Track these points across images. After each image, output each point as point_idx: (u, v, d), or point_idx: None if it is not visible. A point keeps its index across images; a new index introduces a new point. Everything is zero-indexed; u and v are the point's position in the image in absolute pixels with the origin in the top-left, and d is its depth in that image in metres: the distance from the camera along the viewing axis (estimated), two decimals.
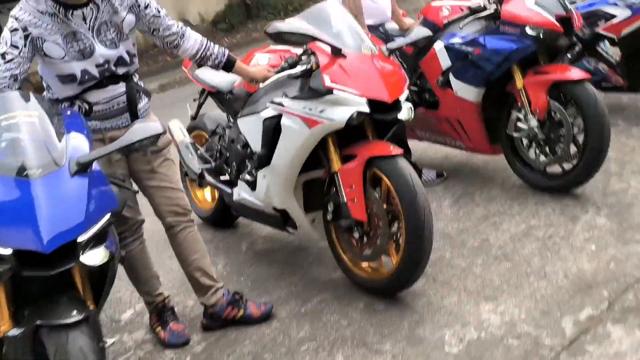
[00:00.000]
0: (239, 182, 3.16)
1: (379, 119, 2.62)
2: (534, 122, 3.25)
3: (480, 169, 3.89)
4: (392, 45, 2.82)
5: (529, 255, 2.81)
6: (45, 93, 2.44)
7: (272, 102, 2.74)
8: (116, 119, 2.50)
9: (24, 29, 2.20)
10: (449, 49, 3.45)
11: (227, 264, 3.38)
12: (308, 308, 2.77)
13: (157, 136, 2.07)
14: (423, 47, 3.64)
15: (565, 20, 3.16)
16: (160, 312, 2.81)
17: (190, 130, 3.85)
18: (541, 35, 3.11)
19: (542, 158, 3.34)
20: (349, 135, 2.70)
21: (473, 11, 3.30)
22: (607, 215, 3.00)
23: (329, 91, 2.51)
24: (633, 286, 2.45)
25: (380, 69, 2.61)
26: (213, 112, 3.68)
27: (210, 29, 14.79)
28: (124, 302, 3.14)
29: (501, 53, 3.20)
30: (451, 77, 3.47)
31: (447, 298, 2.63)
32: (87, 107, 2.42)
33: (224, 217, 3.75)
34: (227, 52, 2.71)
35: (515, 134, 3.36)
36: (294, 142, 2.69)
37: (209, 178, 3.42)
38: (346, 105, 2.51)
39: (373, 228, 2.64)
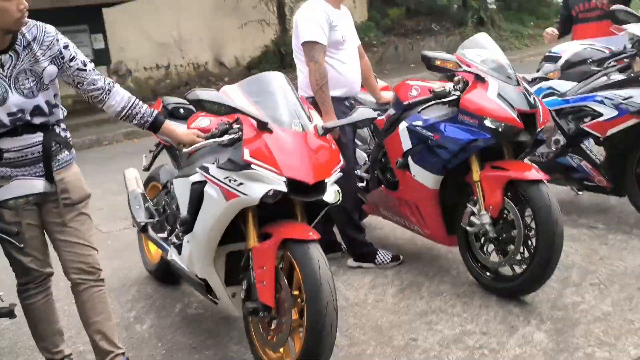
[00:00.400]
0: (170, 243, 3.06)
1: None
2: (486, 219, 3.05)
3: (440, 257, 3.69)
4: (329, 124, 2.69)
5: None
6: None
7: (201, 167, 2.65)
8: (29, 168, 2.42)
9: None
10: (410, 130, 3.31)
11: (152, 325, 3.24)
12: None
13: (35, 195, 1.98)
14: (391, 124, 3.52)
15: (529, 116, 3.00)
16: None
17: (148, 181, 3.79)
18: (500, 129, 2.95)
19: (494, 257, 3.14)
20: (278, 212, 2.58)
21: (436, 96, 3.16)
22: (547, 330, 2.76)
23: (248, 165, 2.40)
24: None
25: (308, 148, 2.48)
26: (170, 165, 3.62)
27: (245, 73, 15.03)
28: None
29: (458, 143, 3.05)
30: (410, 160, 3.32)
31: None
32: None
33: (166, 273, 3.62)
34: (155, 112, 2.64)
35: (468, 228, 3.17)
36: (212, 212, 2.57)
37: (151, 232, 3.33)
38: (263, 182, 2.39)
39: (280, 316, 2.47)
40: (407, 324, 2.95)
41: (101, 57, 12.43)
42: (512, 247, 3.02)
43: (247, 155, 2.41)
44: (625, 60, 3.83)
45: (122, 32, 13.47)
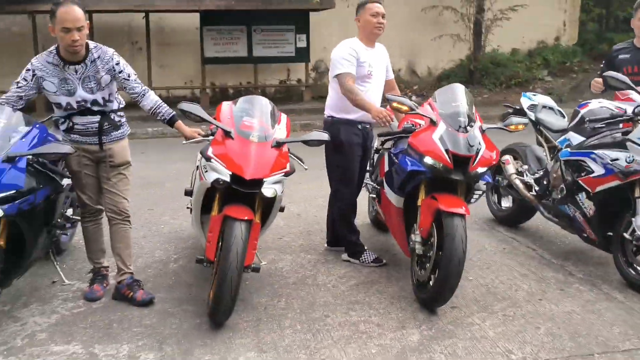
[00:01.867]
0: None
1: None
2: (417, 238, 3.67)
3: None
4: (281, 139, 3.56)
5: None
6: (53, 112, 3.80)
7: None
8: (89, 138, 3.74)
9: (33, 71, 3.57)
10: (389, 155, 4.02)
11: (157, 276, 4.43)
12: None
13: (61, 154, 3.27)
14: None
15: (464, 159, 3.51)
16: (95, 274, 4.00)
17: None
18: (434, 165, 3.53)
19: (421, 272, 3.72)
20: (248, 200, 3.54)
21: (404, 131, 3.83)
22: (422, 333, 3.33)
23: (209, 159, 3.42)
24: None
25: (255, 154, 3.41)
26: None
27: (434, 83, 15.73)
28: None
29: (404, 171, 3.69)
30: (384, 180, 4.03)
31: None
32: (70, 124, 3.70)
33: None
34: (173, 113, 3.78)
35: (411, 245, 3.78)
36: (196, 187, 3.68)
37: None
38: (216, 172, 3.40)
39: (213, 266, 3.47)
40: (333, 306, 3.71)
41: (302, 55, 14.16)
42: (427, 266, 3.59)
43: (210, 152, 3.44)
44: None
45: (326, 33, 15.05)
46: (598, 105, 4.29)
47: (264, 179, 3.40)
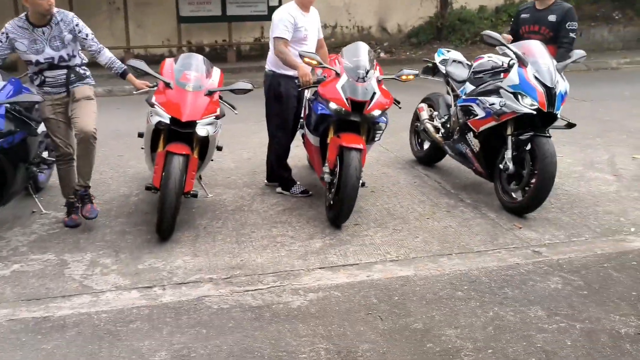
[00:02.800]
0: None
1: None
2: (326, 169, 4.53)
3: None
4: (212, 89, 4.37)
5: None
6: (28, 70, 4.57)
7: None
8: (58, 89, 4.52)
9: (6, 34, 4.33)
10: (308, 102, 4.85)
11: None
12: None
13: (32, 102, 4.08)
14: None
15: (361, 104, 4.34)
16: (69, 207, 4.81)
17: None
18: (336, 109, 4.36)
19: (329, 196, 4.59)
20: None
21: (317, 81, 4.64)
22: (324, 242, 4.22)
23: (153, 105, 4.24)
24: None
25: (190, 100, 4.23)
26: None
27: (403, 40, 16.44)
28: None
29: (316, 115, 4.52)
30: (304, 122, 4.86)
31: None
32: (42, 78, 4.48)
33: None
34: (124, 67, 4.56)
35: (322, 175, 4.64)
36: (145, 129, 4.49)
37: None
38: (158, 115, 4.22)
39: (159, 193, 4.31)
40: (260, 225, 4.59)
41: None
42: (332, 191, 4.46)
43: (152, 99, 4.26)
44: None
45: None
46: (486, 59, 5.10)
47: (198, 121, 4.23)
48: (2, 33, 4.36)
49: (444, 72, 5.67)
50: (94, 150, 4.60)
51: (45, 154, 5.24)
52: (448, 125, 5.47)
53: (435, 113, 5.81)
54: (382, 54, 15.52)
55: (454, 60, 5.73)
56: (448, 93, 5.75)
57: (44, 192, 5.42)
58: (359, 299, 3.39)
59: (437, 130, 5.68)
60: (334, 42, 16.73)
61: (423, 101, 6.06)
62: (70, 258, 4.08)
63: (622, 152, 6.44)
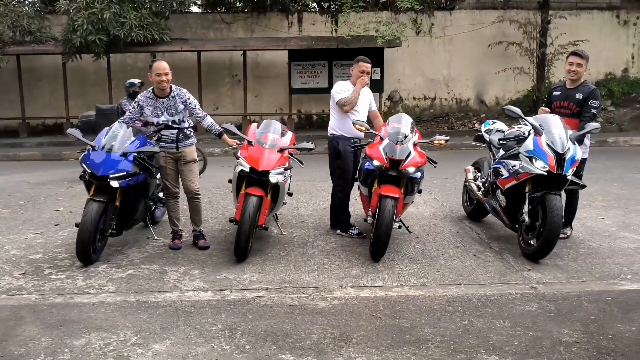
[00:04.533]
0: None
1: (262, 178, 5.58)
2: (370, 214, 5.62)
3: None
4: (283, 147, 5.67)
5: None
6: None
7: None
8: (171, 144, 6.05)
9: (138, 102, 5.94)
10: (361, 160, 6.03)
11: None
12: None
13: (152, 152, 5.60)
14: None
15: (397, 162, 5.44)
16: (174, 234, 6.28)
17: None
18: (379, 166, 5.48)
19: (371, 235, 5.65)
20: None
21: (367, 143, 5.82)
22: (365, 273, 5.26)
23: (238, 157, 5.62)
24: None
25: (265, 154, 5.57)
26: None
27: (500, 111, 17.26)
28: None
29: (363, 170, 5.68)
30: (357, 177, 6.03)
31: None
32: (160, 136, 6.04)
33: None
34: (221, 130, 6.01)
35: (367, 218, 5.74)
36: (233, 176, 5.88)
37: None
38: (241, 165, 5.58)
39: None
40: (315, 256, 5.72)
41: (376, 86, 16.25)
42: (373, 230, 5.53)
43: (239, 154, 5.64)
44: None
45: (401, 67, 17.08)
46: (515, 129, 6.03)
47: (271, 171, 5.53)
48: (136, 101, 5.99)
49: (488, 140, 6.63)
50: (200, 204, 6.12)
51: (161, 194, 6.80)
52: (486, 185, 6.38)
53: (479, 174, 6.74)
54: (476, 125, 16.38)
55: (497, 130, 6.68)
56: (491, 158, 6.69)
57: (158, 225, 6.95)
58: (370, 306, 4.41)
59: (479, 188, 6.59)
60: (432, 113, 17.88)
61: (472, 164, 7.02)
62: (169, 269, 5.44)
63: None
